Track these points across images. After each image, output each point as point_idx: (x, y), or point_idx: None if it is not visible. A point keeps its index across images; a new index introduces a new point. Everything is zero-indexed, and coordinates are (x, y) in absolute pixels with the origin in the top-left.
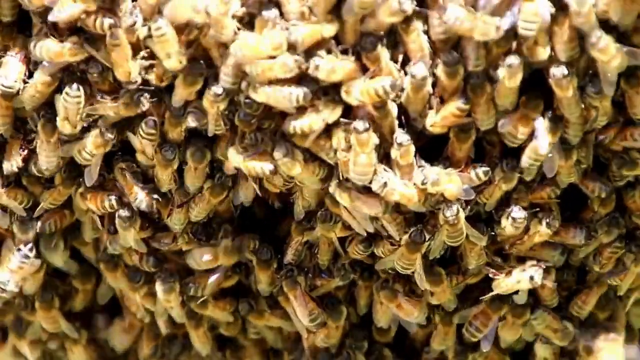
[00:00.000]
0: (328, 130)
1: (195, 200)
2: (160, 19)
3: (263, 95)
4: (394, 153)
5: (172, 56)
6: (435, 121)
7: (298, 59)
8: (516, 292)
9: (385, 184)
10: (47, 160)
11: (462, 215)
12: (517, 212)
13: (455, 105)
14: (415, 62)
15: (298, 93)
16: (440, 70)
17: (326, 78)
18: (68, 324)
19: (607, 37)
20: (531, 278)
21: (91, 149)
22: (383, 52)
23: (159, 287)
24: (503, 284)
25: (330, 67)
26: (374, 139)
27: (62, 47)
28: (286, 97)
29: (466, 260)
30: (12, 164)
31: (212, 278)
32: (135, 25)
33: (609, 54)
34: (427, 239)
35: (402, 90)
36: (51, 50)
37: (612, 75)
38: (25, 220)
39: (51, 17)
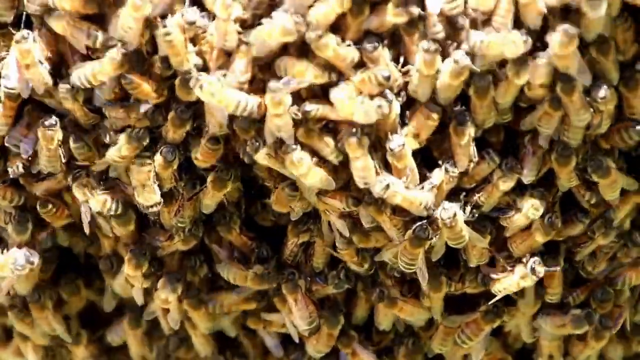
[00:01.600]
0: (330, 128)
1: (203, 193)
2: (168, 23)
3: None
4: (389, 157)
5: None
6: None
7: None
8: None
9: (387, 186)
10: (48, 164)
11: (460, 217)
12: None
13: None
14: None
15: (253, 102)
16: (445, 72)
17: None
18: (62, 327)
19: None
20: (532, 270)
21: (125, 153)
22: (384, 53)
23: (162, 286)
24: (506, 283)
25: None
26: (366, 143)
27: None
28: (235, 103)
29: (468, 257)
30: (18, 167)
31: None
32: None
33: None
34: (430, 236)
35: (405, 90)
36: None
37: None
38: (22, 220)
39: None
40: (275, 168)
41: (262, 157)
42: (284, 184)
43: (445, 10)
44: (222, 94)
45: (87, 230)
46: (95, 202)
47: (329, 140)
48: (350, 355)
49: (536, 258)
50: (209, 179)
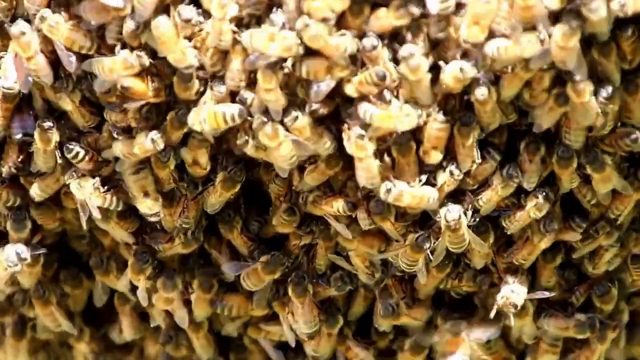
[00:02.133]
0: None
1: (209, 192)
2: (160, 17)
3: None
4: (394, 152)
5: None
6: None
7: None
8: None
9: (389, 190)
10: (44, 165)
11: (464, 220)
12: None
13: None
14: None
15: (233, 111)
16: (448, 73)
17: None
18: (67, 321)
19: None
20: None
21: (137, 152)
22: (383, 52)
23: (161, 286)
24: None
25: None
26: (372, 145)
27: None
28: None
29: (472, 260)
30: (10, 166)
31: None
32: (138, 30)
33: None
34: (432, 246)
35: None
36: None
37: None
38: (19, 218)
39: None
40: (263, 158)
41: (251, 149)
42: (280, 211)
43: (439, 10)
44: (210, 118)
45: (84, 226)
46: (93, 197)
47: (324, 132)
48: (345, 350)
49: (514, 287)
50: (220, 178)
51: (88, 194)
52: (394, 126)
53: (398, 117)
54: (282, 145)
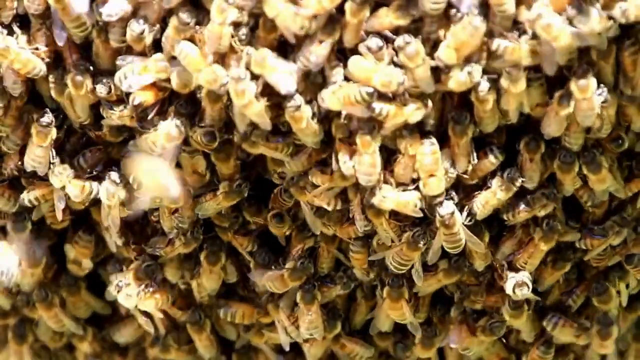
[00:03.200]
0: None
1: (206, 198)
2: (181, 43)
3: None
4: (401, 145)
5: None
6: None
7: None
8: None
9: (373, 192)
10: (36, 164)
11: (457, 216)
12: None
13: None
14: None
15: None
16: (454, 78)
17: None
18: (72, 321)
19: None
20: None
21: (163, 143)
22: (387, 53)
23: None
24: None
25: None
26: (378, 141)
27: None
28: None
29: (473, 262)
30: (11, 168)
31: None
32: (143, 34)
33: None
34: (428, 243)
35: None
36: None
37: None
38: (19, 219)
39: None
40: (264, 153)
41: (249, 145)
42: (269, 216)
43: (431, 10)
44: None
45: (59, 216)
46: (72, 187)
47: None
48: (340, 348)
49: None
50: (223, 189)
51: (66, 181)
52: (406, 120)
53: (411, 111)
54: (250, 106)
